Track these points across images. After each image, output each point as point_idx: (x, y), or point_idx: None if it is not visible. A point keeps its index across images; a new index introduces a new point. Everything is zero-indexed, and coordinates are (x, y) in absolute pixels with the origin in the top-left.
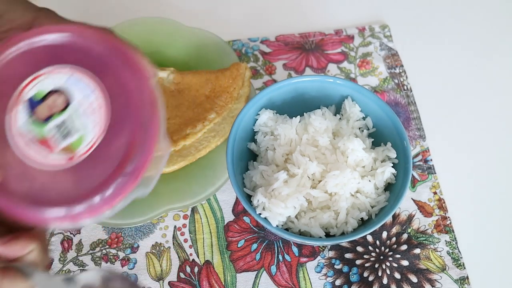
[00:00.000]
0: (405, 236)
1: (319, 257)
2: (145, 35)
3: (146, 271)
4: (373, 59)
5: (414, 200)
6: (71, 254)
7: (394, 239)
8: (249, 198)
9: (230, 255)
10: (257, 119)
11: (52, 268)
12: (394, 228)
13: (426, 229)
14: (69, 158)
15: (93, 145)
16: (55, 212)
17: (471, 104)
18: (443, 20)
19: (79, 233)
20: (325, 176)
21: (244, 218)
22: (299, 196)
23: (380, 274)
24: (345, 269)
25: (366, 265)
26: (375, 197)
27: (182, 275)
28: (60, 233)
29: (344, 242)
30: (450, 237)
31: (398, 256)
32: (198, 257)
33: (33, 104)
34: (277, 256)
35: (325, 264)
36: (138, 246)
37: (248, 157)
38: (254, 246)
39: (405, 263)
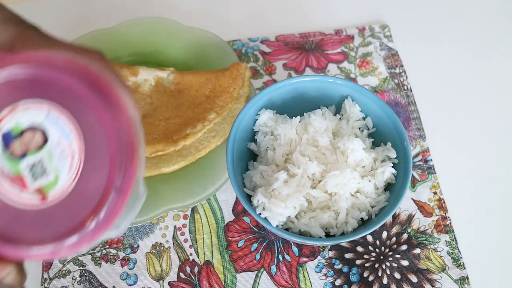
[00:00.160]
0: (405, 236)
1: (319, 257)
2: (145, 35)
3: (146, 271)
4: (373, 59)
5: (414, 200)
6: None
7: (394, 239)
8: (249, 198)
9: (230, 255)
10: (257, 119)
11: (52, 268)
12: (394, 228)
13: (426, 229)
14: (41, 199)
15: (67, 189)
16: (23, 250)
17: (471, 104)
18: (443, 20)
19: None
20: (325, 176)
21: (244, 218)
22: (299, 196)
23: (380, 274)
24: (345, 269)
25: (366, 265)
26: (375, 197)
27: (182, 275)
28: None
29: (344, 242)
30: (450, 237)
31: (398, 256)
32: (198, 257)
33: (8, 138)
34: (277, 256)
35: (325, 264)
36: (138, 246)
37: (248, 157)
38: (254, 246)
39: (405, 263)
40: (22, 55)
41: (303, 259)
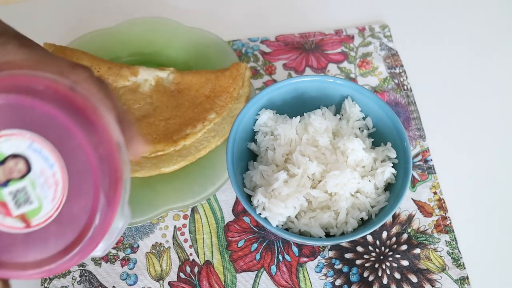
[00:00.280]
0: (405, 236)
1: (319, 257)
2: (145, 35)
3: (146, 271)
4: (373, 59)
5: (414, 200)
6: None
7: (394, 239)
8: (249, 198)
9: (230, 255)
10: (257, 119)
11: None
12: (394, 228)
13: (426, 229)
14: (25, 225)
15: (51, 215)
16: (7, 271)
17: (471, 104)
18: (443, 20)
19: None
20: (325, 176)
21: (244, 218)
22: (299, 196)
23: (380, 274)
24: (345, 269)
25: (366, 265)
26: (375, 197)
27: (182, 275)
28: None
29: (344, 242)
30: (450, 237)
31: (398, 256)
32: (198, 257)
33: None
34: (277, 256)
35: (325, 264)
36: (138, 246)
37: (248, 157)
38: (254, 246)
39: (405, 263)
40: (2, 80)
41: (303, 259)
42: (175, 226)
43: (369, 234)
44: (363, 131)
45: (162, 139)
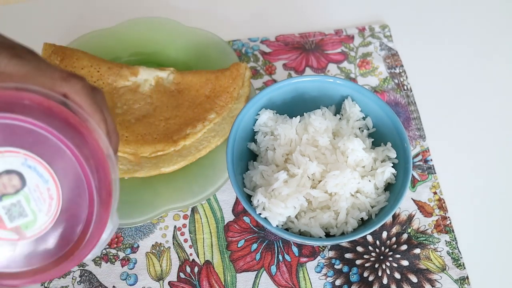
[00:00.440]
0: (405, 236)
1: (319, 257)
2: (145, 35)
3: (146, 271)
4: (373, 59)
5: (414, 200)
6: None
7: (394, 239)
8: (249, 198)
9: (230, 255)
10: (257, 119)
11: None
12: (394, 228)
13: (426, 229)
14: (19, 237)
15: (44, 229)
16: (1, 281)
17: (471, 104)
18: (443, 20)
19: None
20: (325, 176)
21: (244, 218)
22: (299, 196)
23: (380, 274)
24: (345, 269)
25: (366, 265)
26: (375, 197)
27: (182, 275)
28: None
29: (344, 242)
30: (450, 237)
31: (398, 256)
32: (198, 257)
33: None
34: (277, 256)
35: (325, 264)
36: (138, 246)
37: (248, 157)
38: (254, 246)
39: (405, 263)
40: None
41: (303, 259)
42: (175, 226)
43: (369, 234)
44: (363, 131)
45: (162, 139)
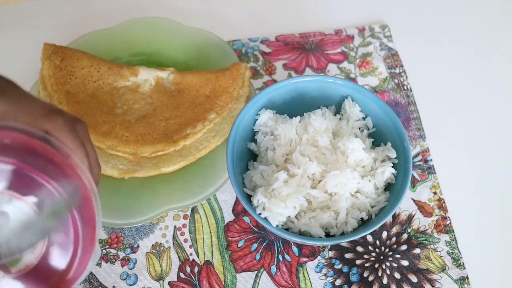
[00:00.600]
0: (405, 236)
1: (319, 257)
2: (145, 35)
3: (146, 271)
4: (373, 59)
5: (414, 200)
6: None
7: (394, 239)
8: (249, 198)
9: (230, 255)
10: (257, 119)
11: None
12: (394, 228)
13: (426, 229)
14: (4, 272)
15: (29, 266)
16: None
17: (471, 104)
18: (443, 20)
19: None
20: (325, 176)
21: (244, 218)
22: (299, 196)
23: (380, 274)
24: (345, 269)
25: (366, 265)
26: (375, 197)
27: (182, 275)
28: None
29: (344, 242)
30: (450, 237)
31: (398, 256)
32: (198, 257)
33: None
34: (277, 256)
35: (325, 264)
36: (138, 246)
37: (248, 157)
38: (254, 246)
39: (405, 263)
40: None
41: (303, 259)
42: (175, 226)
43: (369, 234)
44: (363, 131)
45: (162, 139)
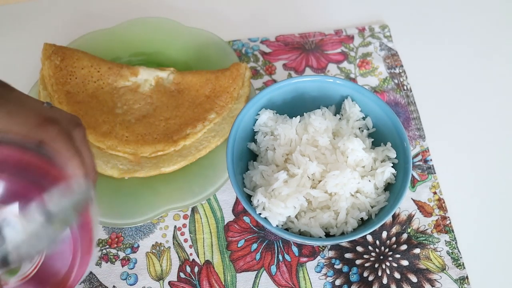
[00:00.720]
0: (405, 236)
1: (319, 257)
2: (145, 35)
3: (146, 271)
4: (373, 59)
5: (414, 200)
6: None
7: (394, 239)
8: (249, 198)
9: (230, 255)
10: (257, 119)
11: None
12: (394, 228)
13: (426, 229)
14: (2, 283)
15: (26, 276)
16: None
17: (471, 104)
18: (443, 20)
19: None
20: (325, 176)
21: (244, 218)
22: (299, 196)
23: (380, 274)
24: (345, 269)
25: (366, 265)
26: (375, 197)
27: (182, 275)
28: None
29: (344, 242)
30: (450, 237)
31: (398, 256)
32: (198, 257)
33: None
34: (277, 256)
35: (325, 264)
36: (138, 246)
37: (248, 157)
38: (254, 246)
39: (405, 263)
40: None
41: (303, 259)
42: (175, 226)
43: (369, 234)
44: (363, 131)
45: (162, 139)
